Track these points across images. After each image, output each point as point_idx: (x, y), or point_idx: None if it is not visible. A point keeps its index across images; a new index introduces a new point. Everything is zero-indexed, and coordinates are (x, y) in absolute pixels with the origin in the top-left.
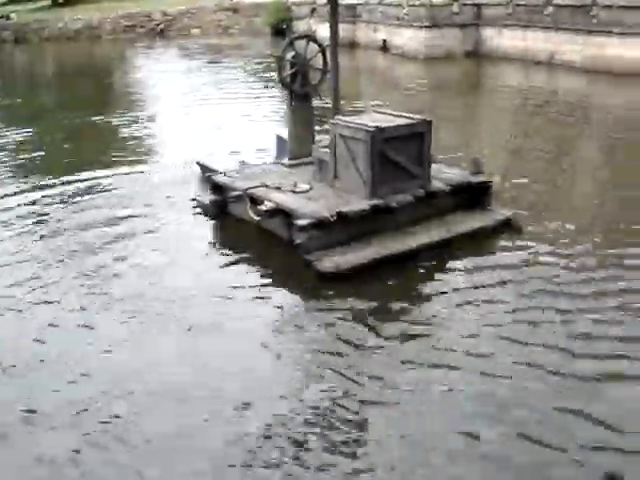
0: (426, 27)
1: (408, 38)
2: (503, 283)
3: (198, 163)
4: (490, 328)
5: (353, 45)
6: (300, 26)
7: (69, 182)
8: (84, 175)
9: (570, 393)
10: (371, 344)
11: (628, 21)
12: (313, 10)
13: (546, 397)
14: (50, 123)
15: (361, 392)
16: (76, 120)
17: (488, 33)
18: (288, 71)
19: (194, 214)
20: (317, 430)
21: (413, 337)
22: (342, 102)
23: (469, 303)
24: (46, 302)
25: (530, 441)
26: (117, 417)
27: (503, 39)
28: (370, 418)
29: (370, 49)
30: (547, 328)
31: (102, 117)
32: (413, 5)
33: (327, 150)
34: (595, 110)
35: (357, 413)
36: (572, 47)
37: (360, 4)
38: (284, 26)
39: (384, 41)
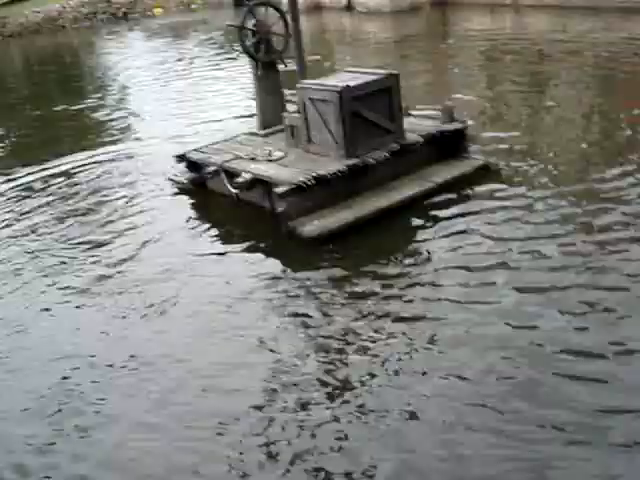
0: None
1: None
2: (485, 225)
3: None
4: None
5: (318, 7)
6: None
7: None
8: (63, 160)
9: None
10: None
11: None
12: None
13: None
14: (21, 115)
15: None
16: (50, 109)
17: None
18: (251, 40)
19: (173, 194)
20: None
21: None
22: (310, 64)
23: (453, 250)
24: None
25: None
26: None
27: None
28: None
29: (335, 9)
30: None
31: (74, 105)
32: None
33: (298, 115)
34: (559, 46)
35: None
36: None
37: None
38: None
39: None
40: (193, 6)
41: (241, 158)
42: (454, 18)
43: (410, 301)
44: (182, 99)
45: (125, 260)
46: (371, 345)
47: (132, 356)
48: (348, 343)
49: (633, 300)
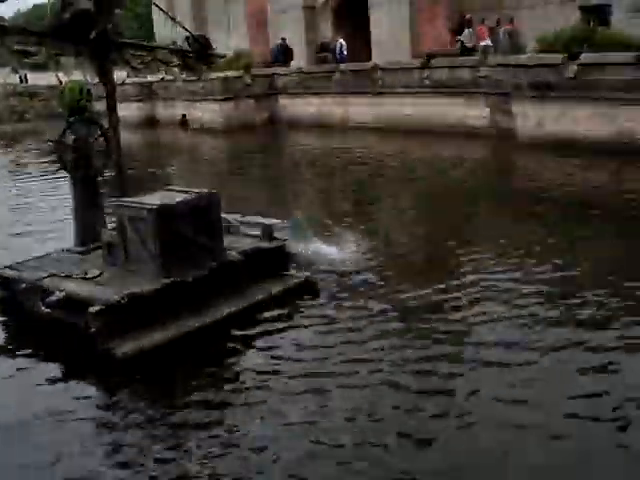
0: (220, 100)
1: (205, 111)
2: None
3: None
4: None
5: (153, 122)
6: (99, 106)
7: None
8: None
9: None
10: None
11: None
12: None
13: None
14: None
15: None
16: None
17: (283, 101)
18: (70, 155)
19: None
20: None
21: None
22: (136, 178)
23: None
24: None
25: None
26: None
27: (297, 106)
28: None
29: (170, 125)
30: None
31: None
32: (208, 79)
33: (115, 233)
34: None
35: None
36: (361, 109)
37: (157, 81)
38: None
39: (183, 115)
40: (27, 115)
41: (55, 275)
42: (283, 136)
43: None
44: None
45: None
46: None
47: None
48: None
49: None
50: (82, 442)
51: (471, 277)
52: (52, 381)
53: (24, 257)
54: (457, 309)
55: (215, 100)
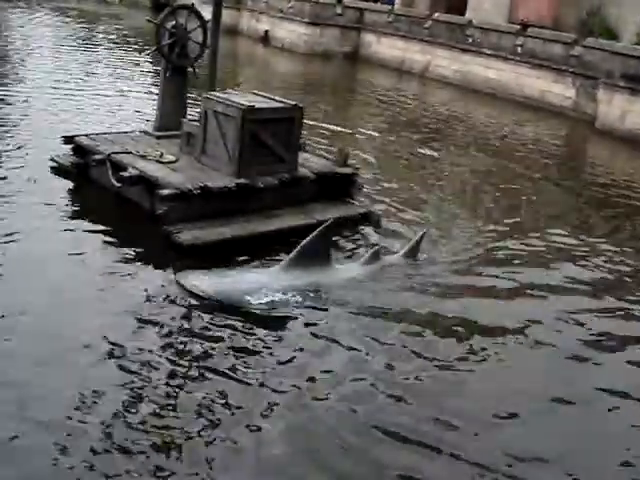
0: (307, 23)
1: (289, 31)
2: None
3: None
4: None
5: (235, 32)
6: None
7: None
8: None
9: None
10: None
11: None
12: None
13: None
14: None
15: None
16: None
17: (368, 38)
18: (167, 40)
19: (52, 174)
20: None
21: None
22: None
23: None
24: None
25: None
26: None
27: (381, 46)
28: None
29: (252, 38)
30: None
31: None
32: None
33: (197, 124)
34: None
35: None
36: (445, 62)
37: None
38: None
39: (266, 32)
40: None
41: (130, 153)
42: (362, 73)
43: None
44: (81, 86)
45: None
46: None
47: None
48: None
49: None
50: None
51: None
52: (119, 260)
53: (99, 130)
54: None
55: (301, 22)
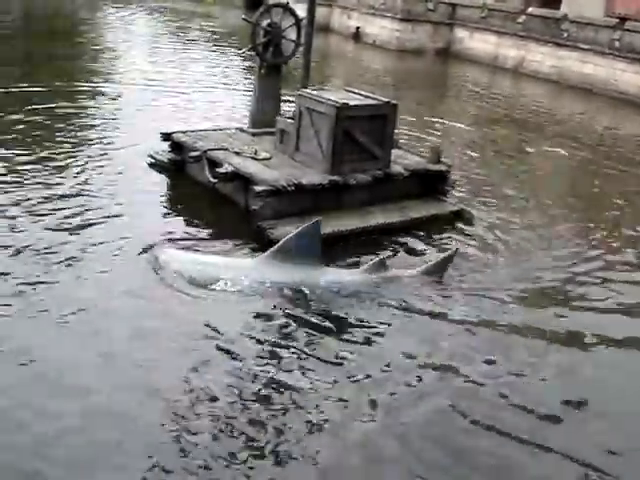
0: (399, 19)
1: (381, 28)
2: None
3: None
4: None
5: (326, 29)
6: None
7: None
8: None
9: None
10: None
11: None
12: None
13: None
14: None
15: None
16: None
17: (460, 34)
18: (262, 39)
19: (150, 169)
20: None
21: None
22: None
23: None
24: None
25: None
26: None
27: (473, 41)
28: None
29: (343, 35)
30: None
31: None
32: None
33: (291, 121)
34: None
35: None
36: (539, 57)
37: None
38: None
39: (357, 28)
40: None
41: (226, 150)
42: (455, 69)
43: None
44: (177, 84)
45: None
46: None
47: None
48: None
49: None
50: None
51: None
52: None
53: (195, 128)
54: None
55: (393, 18)
